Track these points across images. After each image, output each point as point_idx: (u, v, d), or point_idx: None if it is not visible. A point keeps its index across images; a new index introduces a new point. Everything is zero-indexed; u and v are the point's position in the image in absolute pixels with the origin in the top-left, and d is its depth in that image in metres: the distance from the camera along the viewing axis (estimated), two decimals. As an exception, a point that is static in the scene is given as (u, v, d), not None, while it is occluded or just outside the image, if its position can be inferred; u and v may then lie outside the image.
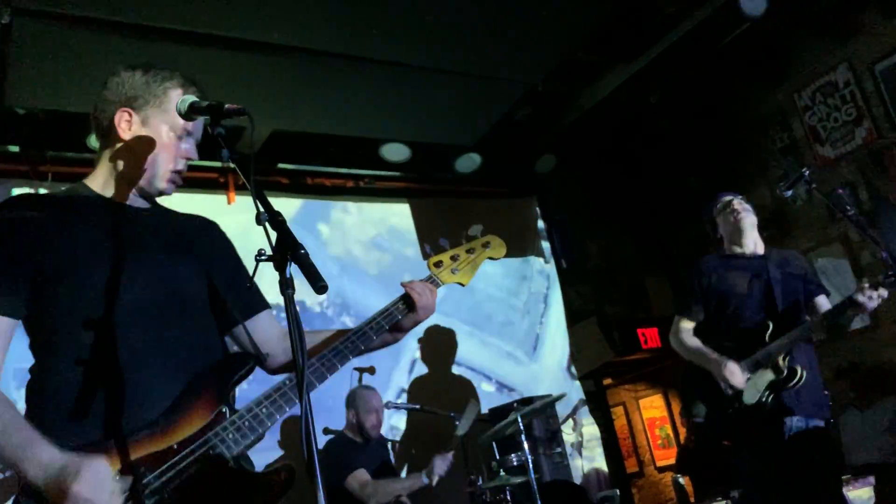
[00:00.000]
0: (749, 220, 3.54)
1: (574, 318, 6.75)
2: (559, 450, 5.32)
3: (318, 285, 1.42)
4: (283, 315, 1.46)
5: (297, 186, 5.82)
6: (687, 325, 3.57)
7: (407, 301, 1.97)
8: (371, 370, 5.31)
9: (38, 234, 1.65)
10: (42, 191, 4.75)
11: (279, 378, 1.78)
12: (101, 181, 1.82)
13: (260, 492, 1.63)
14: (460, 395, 5.50)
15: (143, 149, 1.79)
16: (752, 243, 3.55)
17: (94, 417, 1.58)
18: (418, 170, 6.18)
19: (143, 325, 1.68)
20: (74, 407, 1.58)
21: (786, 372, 3.24)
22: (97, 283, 1.65)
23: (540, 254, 6.87)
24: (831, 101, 5.71)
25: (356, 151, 5.83)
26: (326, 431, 4.69)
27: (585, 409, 6.28)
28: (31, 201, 1.74)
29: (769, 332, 3.31)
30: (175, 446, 1.58)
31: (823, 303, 3.47)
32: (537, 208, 6.98)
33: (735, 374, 3.26)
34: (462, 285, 2.09)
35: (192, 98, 1.72)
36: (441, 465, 4.28)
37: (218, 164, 5.12)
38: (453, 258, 2.08)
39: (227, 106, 1.63)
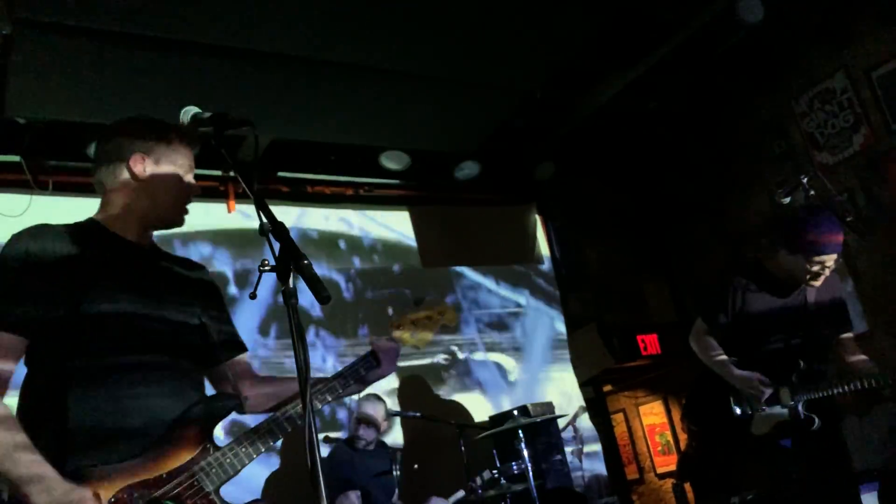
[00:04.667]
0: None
1: (573, 324, 6.75)
2: (559, 457, 5.31)
3: (322, 295, 1.43)
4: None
5: (297, 195, 5.83)
6: (708, 332, 3.48)
7: (373, 357, 2.11)
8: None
9: (55, 265, 1.76)
10: (36, 196, 4.77)
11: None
12: (112, 218, 1.94)
13: None
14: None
15: (158, 187, 1.93)
16: None
17: (90, 442, 1.69)
18: (418, 177, 6.20)
19: (142, 360, 1.81)
20: (73, 432, 1.69)
21: (802, 417, 3.18)
22: (102, 317, 1.77)
23: (539, 261, 6.87)
24: (829, 108, 5.73)
25: (356, 159, 5.84)
26: (328, 440, 4.67)
27: (585, 415, 6.27)
28: (51, 234, 1.84)
29: (800, 367, 3.24)
30: (165, 476, 1.73)
31: (847, 344, 3.41)
32: (536, 215, 6.99)
33: (765, 394, 3.22)
34: (418, 348, 2.34)
35: (194, 109, 1.74)
36: None
37: (217, 172, 5.14)
38: (413, 323, 2.32)
39: (230, 116, 1.65)
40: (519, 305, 6.60)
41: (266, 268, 1.51)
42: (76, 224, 1.92)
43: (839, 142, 5.66)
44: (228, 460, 1.82)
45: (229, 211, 5.32)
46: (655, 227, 7.14)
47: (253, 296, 1.66)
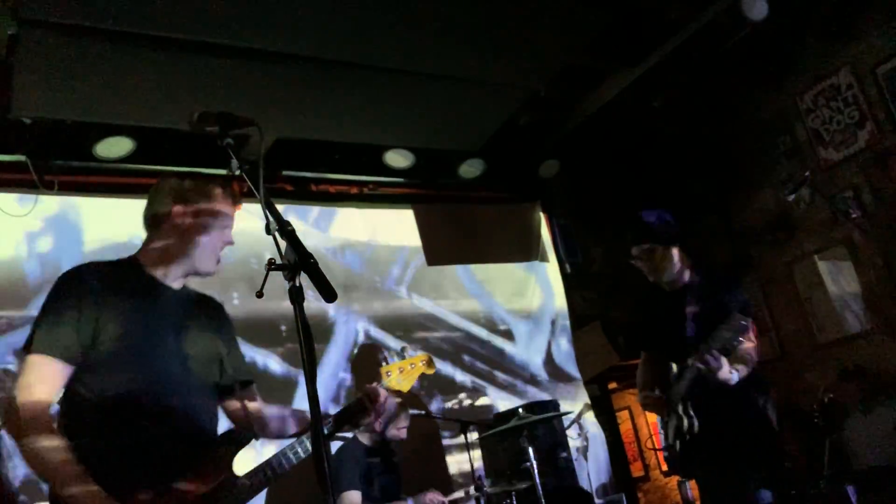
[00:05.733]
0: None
1: (579, 322, 6.75)
2: (564, 454, 5.31)
3: (328, 295, 1.44)
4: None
5: (302, 193, 5.84)
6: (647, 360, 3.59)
7: (367, 401, 2.34)
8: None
9: (96, 301, 1.96)
10: (41, 196, 4.79)
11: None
12: (152, 261, 2.14)
13: None
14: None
15: (195, 237, 2.13)
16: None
17: (124, 467, 1.85)
18: (422, 176, 6.20)
19: (171, 391, 1.99)
20: (108, 457, 1.86)
21: (686, 421, 3.12)
22: (136, 351, 1.96)
23: (544, 258, 6.87)
24: (834, 104, 5.72)
25: (360, 158, 5.84)
26: (335, 438, 4.68)
27: (591, 413, 6.27)
28: (95, 272, 2.06)
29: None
30: (192, 501, 1.90)
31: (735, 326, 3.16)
32: (541, 213, 6.98)
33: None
34: (402, 392, 2.63)
35: (201, 108, 1.75)
36: (434, 498, 4.31)
37: (223, 171, 5.14)
38: (400, 370, 2.62)
39: (235, 116, 1.65)
40: (524, 302, 6.62)
41: (273, 267, 1.52)
42: (118, 262, 2.15)
43: (844, 138, 5.65)
44: (244, 492, 2.02)
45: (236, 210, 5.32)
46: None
47: (259, 294, 1.67)
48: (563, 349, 6.67)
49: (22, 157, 4.68)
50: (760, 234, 6.32)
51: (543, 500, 4.10)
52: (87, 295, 1.96)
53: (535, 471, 4.18)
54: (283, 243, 1.55)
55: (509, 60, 4.89)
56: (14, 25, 3.74)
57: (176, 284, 2.17)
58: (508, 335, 6.42)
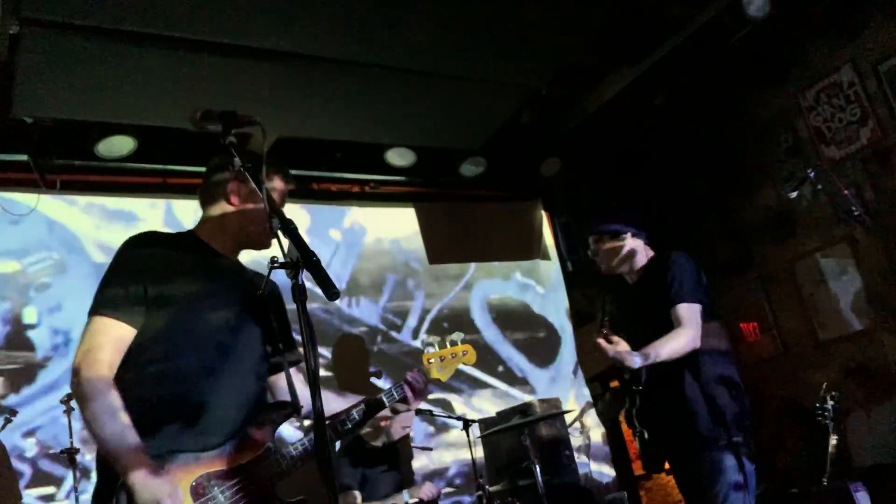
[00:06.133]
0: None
1: (580, 320, 6.75)
2: (567, 452, 5.31)
3: (331, 292, 1.45)
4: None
5: (303, 192, 5.84)
6: None
7: (405, 389, 2.41)
8: (378, 374, 5.32)
9: (159, 266, 2.02)
10: (43, 196, 4.79)
11: None
12: (208, 234, 2.21)
13: None
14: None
15: (248, 215, 2.18)
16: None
17: (177, 430, 1.91)
18: (424, 174, 6.20)
19: (221, 363, 2.02)
20: (162, 419, 1.91)
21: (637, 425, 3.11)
22: (195, 319, 2.01)
23: (546, 256, 6.87)
24: (836, 102, 5.71)
25: (362, 157, 5.84)
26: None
27: (592, 411, 6.27)
28: (158, 240, 2.13)
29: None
30: (237, 469, 1.95)
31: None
32: (542, 211, 6.98)
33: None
34: (441, 380, 2.63)
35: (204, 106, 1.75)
36: (430, 490, 4.30)
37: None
38: (441, 359, 2.62)
39: (238, 115, 1.66)
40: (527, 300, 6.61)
41: (276, 265, 1.52)
42: (178, 234, 2.22)
43: (846, 136, 5.64)
44: (286, 462, 2.06)
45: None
46: (662, 222, 7.12)
47: (263, 293, 1.67)
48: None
49: (24, 157, 4.69)
50: (762, 233, 6.31)
51: (545, 499, 4.10)
52: (148, 259, 2.01)
53: (537, 469, 4.18)
54: (285, 241, 1.55)
55: (510, 59, 4.89)
56: (15, 25, 3.74)
57: (232, 256, 2.23)
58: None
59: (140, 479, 1.76)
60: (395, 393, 2.38)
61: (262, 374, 2.18)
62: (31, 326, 4.61)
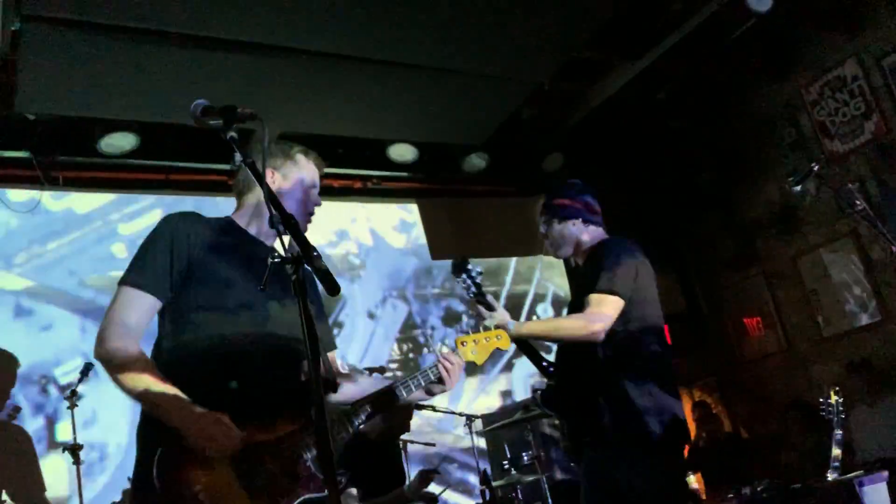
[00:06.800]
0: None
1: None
2: (570, 448, 5.31)
3: (332, 288, 1.44)
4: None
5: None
6: None
7: (440, 370, 2.35)
8: (381, 370, 5.32)
9: (195, 244, 2.05)
10: (45, 192, 4.80)
11: None
12: (245, 220, 2.24)
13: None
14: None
15: (284, 198, 2.16)
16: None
17: (218, 402, 1.89)
18: (426, 170, 6.19)
19: (259, 337, 2.05)
20: (207, 393, 1.91)
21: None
22: (229, 299, 2.03)
23: (548, 252, 6.85)
24: (840, 96, 5.69)
25: (364, 152, 5.84)
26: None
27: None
28: (193, 219, 2.15)
29: None
30: (276, 440, 1.98)
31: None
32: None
33: None
34: (476, 364, 2.57)
35: (204, 102, 1.74)
36: (431, 485, 4.32)
37: (227, 166, 5.14)
38: (475, 342, 2.58)
39: (239, 110, 1.65)
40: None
41: (277, 259, 1.52)
42: (216, 218, 2.24)
43: (850, 130, 5.62)
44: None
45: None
46: (665, 217, 7.11)
47: (263, 287, 1.67)
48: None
49: (26, 153, 4.70)
50: (766, 228, 6.29)
51: (548, 494, 4.10)
52: (183, 237, 2.05)
53: (540, 464, 4.18)
54: (286, 237, 1.54)
55: (513, 54, 4.88)
56: (17, 21, 3.74)
57: (268, 242, 2.24)
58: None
59: (187, 416, 1.82)
60: (431, 374, 2.34)
61: (297, 352, 2.15)
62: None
